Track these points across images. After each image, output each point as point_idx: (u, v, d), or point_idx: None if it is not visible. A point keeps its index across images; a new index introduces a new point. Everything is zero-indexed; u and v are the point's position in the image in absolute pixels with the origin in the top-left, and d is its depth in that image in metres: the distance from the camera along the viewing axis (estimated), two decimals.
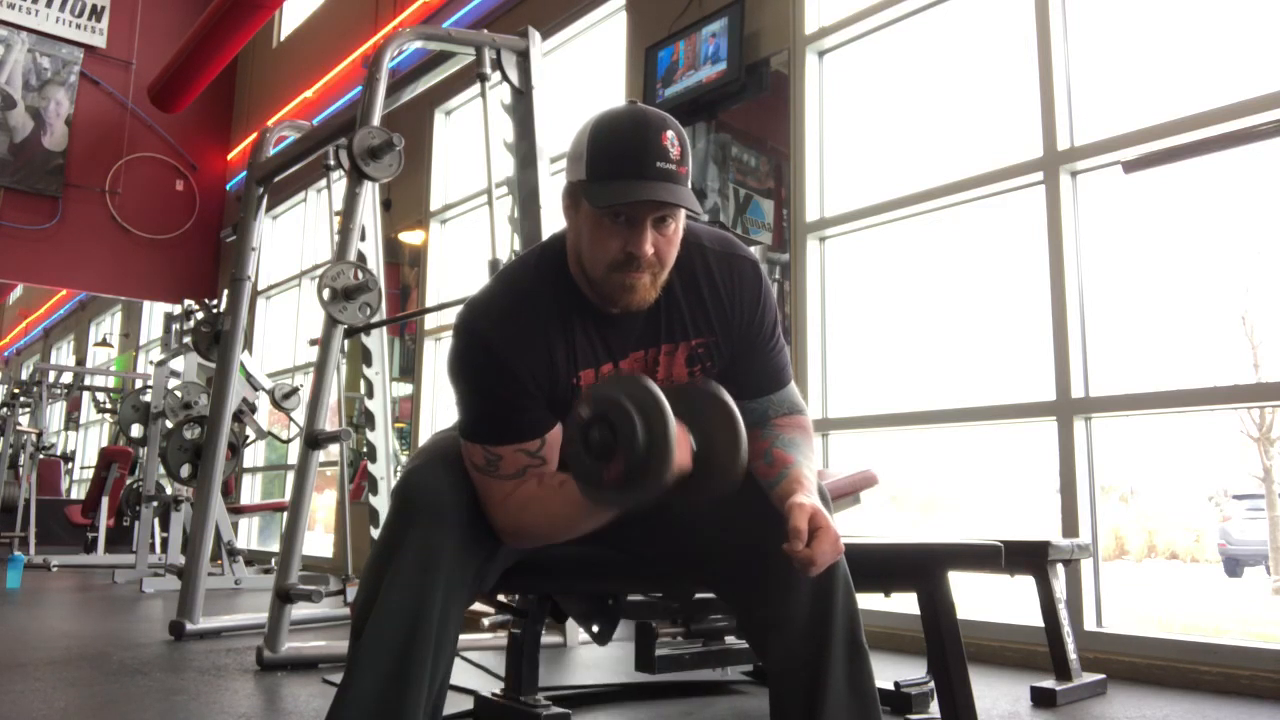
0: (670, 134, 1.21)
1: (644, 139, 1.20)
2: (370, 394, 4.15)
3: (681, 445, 1.13)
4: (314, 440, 2.88)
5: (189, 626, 3.32)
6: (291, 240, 8.50)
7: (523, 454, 1.27)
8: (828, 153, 4.01)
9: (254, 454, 8.29)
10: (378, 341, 4.15)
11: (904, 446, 3.79)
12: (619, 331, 1.31)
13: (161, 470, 5.55)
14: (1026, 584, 2.43)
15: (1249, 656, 2.56)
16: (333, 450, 5.71)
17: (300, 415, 4.93)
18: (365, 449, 4.14)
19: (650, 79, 4.61)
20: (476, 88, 3.33)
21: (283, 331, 8.40)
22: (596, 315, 1.30)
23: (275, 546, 7.70)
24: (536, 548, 1.36)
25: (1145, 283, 3.26)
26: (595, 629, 1.74)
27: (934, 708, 2.17)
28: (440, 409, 6.11)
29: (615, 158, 1.20)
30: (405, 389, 6.29)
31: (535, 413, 1.28)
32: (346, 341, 3.19)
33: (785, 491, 1.24)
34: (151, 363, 7.30)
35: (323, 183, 4.12)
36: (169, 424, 5.71)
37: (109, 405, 9.87)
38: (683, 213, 1.25)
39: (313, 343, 4.12)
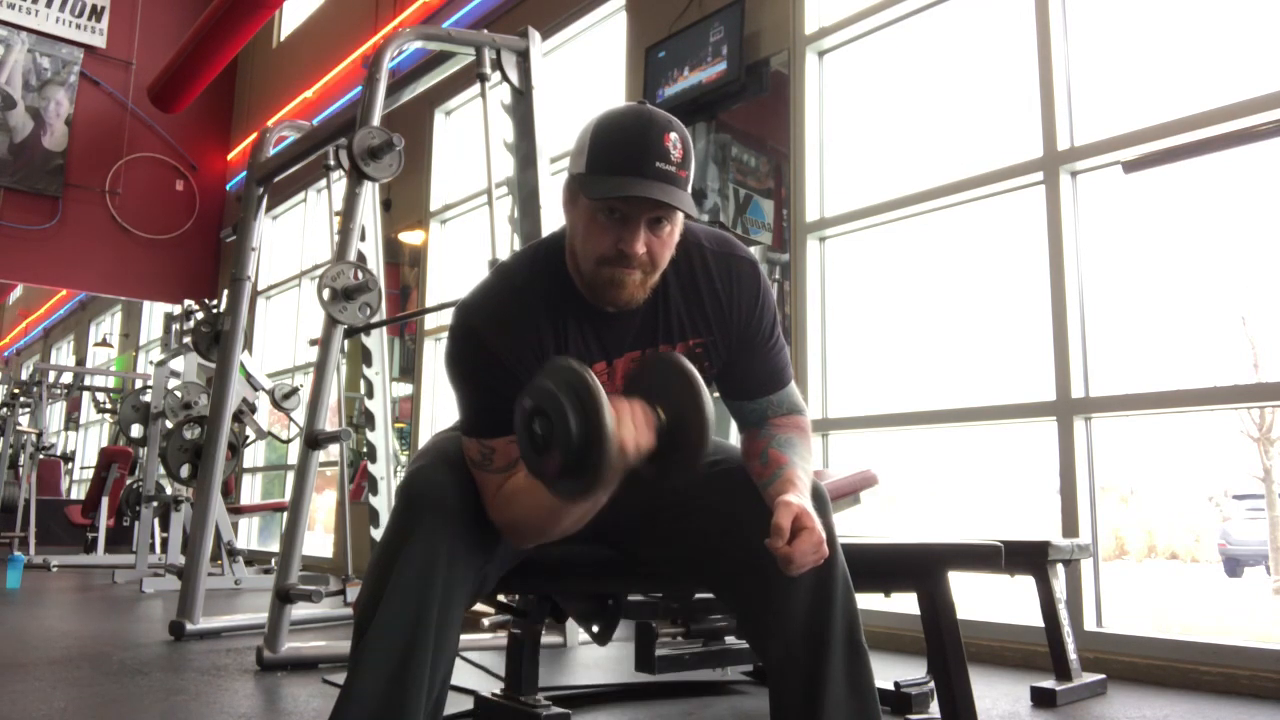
0: (674, 136, 1.21)
1: (646, 138, 1.19)
2: (370, 394, 4.15)
3: (641, 425, 1.14)
4: (314, 440, 2.89)
5: (189, 627, 3.32)
6: (291, 240, 8.50)
7: (514, 446, 1.27)
8: (828, 153, 4.01)
9: (254, 454, 8.29)
10: (378, 341, 4.16)
11: (904, 446, 3.79)
12: (614, 331, 1.31)
13: (161, 470, 5.54)
14: (1026, 584, 2.43)
15: (1249, 656, 2.56)
16: (333, 450, 5.72)
17: (300, 415, 4.93)
18: (365, 449, 4.15)
19: (650, 79, 4.61)
20: (476, 88, 3.33)
21: (283, 331, 8.40)
22: (592, 313, 1.30)
23: (275, 546, 7.70)
24: (536, 546, 1.36)
25: (1145, 283, 3.25)
26: (595, 629, 1.74)
27: (934, 708, 2.17)
28: (440, 409, 6.11)
29: (616, 153, 1.20)
30: (405, 389, 6.29)
31: None
32: (346, 341, 3.20)
33: (776, 491, 1.25)
34: (151, 363, 7.31)
35: (323, 183, 4.12)
36: (169, 424, 5.70)
37: (109, 405, 9.86)
38: (679, 216, 1.24)
39: (313, 343, 4.12)
